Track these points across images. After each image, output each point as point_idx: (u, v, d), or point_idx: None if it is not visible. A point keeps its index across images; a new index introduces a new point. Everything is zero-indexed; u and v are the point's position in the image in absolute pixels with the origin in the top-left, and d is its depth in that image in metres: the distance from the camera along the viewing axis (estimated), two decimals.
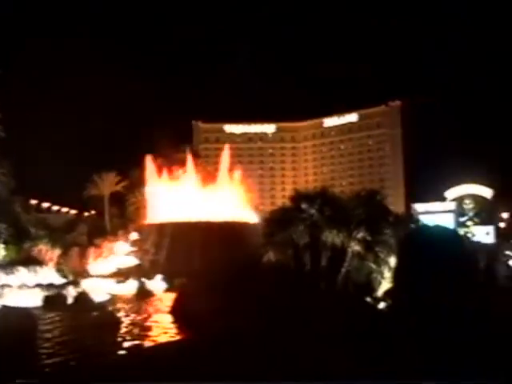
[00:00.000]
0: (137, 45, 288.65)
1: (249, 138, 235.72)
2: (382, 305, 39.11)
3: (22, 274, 64.06)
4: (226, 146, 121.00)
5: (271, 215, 50.49)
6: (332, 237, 42.59)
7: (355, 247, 42.73)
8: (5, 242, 69.66)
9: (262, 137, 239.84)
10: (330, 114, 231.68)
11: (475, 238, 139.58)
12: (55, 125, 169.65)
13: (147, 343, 25.99)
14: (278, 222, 46.16)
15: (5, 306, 27.76)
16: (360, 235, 42.88)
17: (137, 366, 19.70)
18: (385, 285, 42.07)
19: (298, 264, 41.23)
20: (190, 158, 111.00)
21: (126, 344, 24.84)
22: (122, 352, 23.23)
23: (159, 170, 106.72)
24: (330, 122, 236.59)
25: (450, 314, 20.11)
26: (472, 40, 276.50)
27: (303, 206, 44.90)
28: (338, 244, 42.79)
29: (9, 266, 65.50)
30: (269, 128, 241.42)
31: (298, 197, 47.21)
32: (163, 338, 27.48)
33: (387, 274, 42.21)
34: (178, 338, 27.31)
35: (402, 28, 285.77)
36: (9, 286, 57.09)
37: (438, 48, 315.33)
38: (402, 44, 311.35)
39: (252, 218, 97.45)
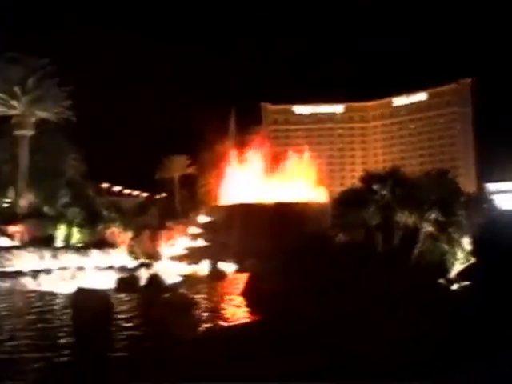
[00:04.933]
0: (205, 27, 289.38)
1: (318, 119, 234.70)
2: (455, 286, 38.78)
3: (96, 257, 65.38)
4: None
5: (341, 196, 50.23)
6: (404, 218, 42.25)
7: (428, 228, 42.30)
8: (79, 225, 71.02)
9: (330, 117, 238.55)
10: (399, 93, 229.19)
11: None
12: (126, 108, 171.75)
13: (220, 324, 26.25)
14: (349, 202, 45.92)
15: (80, 288, 28.27)
16: (433, 216, 42.40)
17: (211, 347, 20.01)
18: (458, 266, 41.65)
19: (369, 245, 41.05)
20: (259, 140, 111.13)
21: (200, 325, 25.13)
22: (196, 332, 23.54)
23: (229, 153, 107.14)
24: (399, 101, 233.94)
25: None
26: None
27: (374, 186, 44.56)
28: (410, 225, 42.44)
29: (83, 248, 66.85)
30: (337, 108, 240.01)
31: (369, 177, 46.84)
32: (235, 320, 27.71)
33: (460, 256, 41.75)
34: (249, 319, 27.50)
35: (474, 2, 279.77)
36: (83, 268, 58.32)
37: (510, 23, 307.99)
38: (473, 19, 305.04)
39: (321, 198, 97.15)
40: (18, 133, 76.29)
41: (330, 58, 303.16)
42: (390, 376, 14.85)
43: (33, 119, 77.01)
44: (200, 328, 24.23)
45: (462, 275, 39.90)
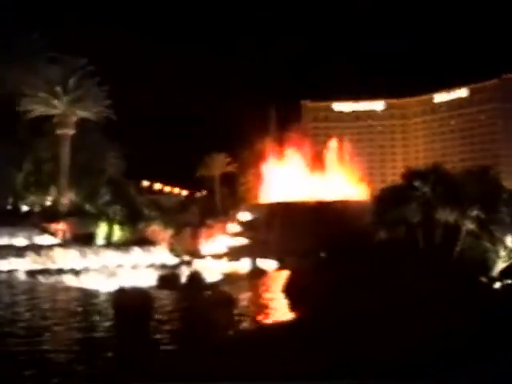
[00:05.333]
0: (242, 26, 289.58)
1: (357, 116, 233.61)
2: (497, 285, 38.32)
3: (137, 254, 65.73)
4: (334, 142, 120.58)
5: (382, 193, 50.05)
6: (445, 215, 41.91)
7: (469, 225, 41.91)
8: (119, 223, 71.49)
9: (370, 114, 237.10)
10: (439, 89, 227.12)
11: None
12: (165, 107, 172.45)
13: (262, 322, 26.18)
14: (390, 199, 45.73)
15: (121, 286, 28.41)
16: (474, 213, 42.02)
17: (252, 345, 19.95)
18: (500, 264, 41.17)
19: (410, 242, 40.79)
20: (299, 138, 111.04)
21: (241, 322, 25.09)
22: (237, 330, 23.50)
23: (269, 151, 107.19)
24: (439, 97, 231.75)
25: None
26: None
27: (415, 183, 44.30)
28: (451, 222, 42.09)
29: (124, 246, 67.24)
30: (378, 105, 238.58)
31: (410, 174, 46.62)
32: (277, 317, 27.63)
33: (503, 254, 41.28)
34: (291, 316, 27.39)
35: None
36: (124, 265, 58.67)
37: None
38: None
39: (362, 196, 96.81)
40: (59, 132, 76.96)
41: (370, 55, 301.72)
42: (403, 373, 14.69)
43: (74, 118, 77.60)
44: (240, 326, 24.16)
45: (504, 274, 39.47)
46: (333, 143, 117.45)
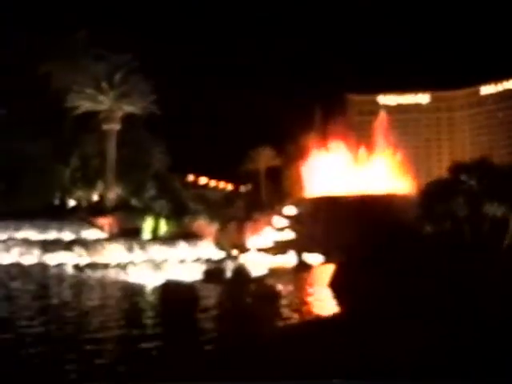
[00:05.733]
0: (289, 20, 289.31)
1: (403, 109, 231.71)
2: None
3: (183, 248, 66.10)
4: (382, 116, 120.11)
5: (428, 187, 49.73)
6: (493, 208, 41.50)
7: None
8: (166, 217, 71.96)
9: (416, 107, 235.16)
10: (486, 81, 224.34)
11: None
12: (210, 101, 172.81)
13: (307, 316, 26.16)
14: (436, 193, 45.41)
15: (168, 280, 28.61)
16: None
17: (297, 339, 19.96)
18: None
19: (457, 236, 40.45)
20: (344, 132, 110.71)
21: (286, 316, 25.10)
22: (281, 324, 23.52)
23: (315, 144, 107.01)
24: (486, 89, 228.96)
25: None
26: None
27: (462, 177, 43.94)
28: (498, 216, 41.67)
29: (170, 240, 67.66)
30: (423, 98, 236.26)
31: (457, 168, 46.26)
32: (321, 312, 27.58)
33: None
34: (337, 311, 27.33)
35: None
36: (170, 259, 59.10)
37: None
38: None
39: (408, 190, 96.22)
40: (105, 127, 77.71)
41: (415, 47, 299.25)
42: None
43: (120, 114, 78.30)
44: (285, 321, 24.17)
45: None
46: (381, 116, 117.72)
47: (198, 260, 60.80)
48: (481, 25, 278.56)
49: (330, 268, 40.93)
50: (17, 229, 60.80)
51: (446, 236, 40.58)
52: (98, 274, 49.42)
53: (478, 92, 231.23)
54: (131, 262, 56.28)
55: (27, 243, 57.70)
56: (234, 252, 73.00)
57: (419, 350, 17.01)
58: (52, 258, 54.42)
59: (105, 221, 68.93)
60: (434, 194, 45.92)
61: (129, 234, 66.57)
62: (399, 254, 31.61)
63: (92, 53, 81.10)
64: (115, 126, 77.69)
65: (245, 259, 65.88)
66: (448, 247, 34.62)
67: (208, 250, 68.94)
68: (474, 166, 45.38)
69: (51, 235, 61.42)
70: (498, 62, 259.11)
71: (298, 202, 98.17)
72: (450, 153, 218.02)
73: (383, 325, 20.78)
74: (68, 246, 58.65)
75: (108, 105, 77.35)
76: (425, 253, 31.37)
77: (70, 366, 15.80)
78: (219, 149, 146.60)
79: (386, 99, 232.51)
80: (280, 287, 35.00)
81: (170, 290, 25.62)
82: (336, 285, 34.95)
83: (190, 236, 70.80)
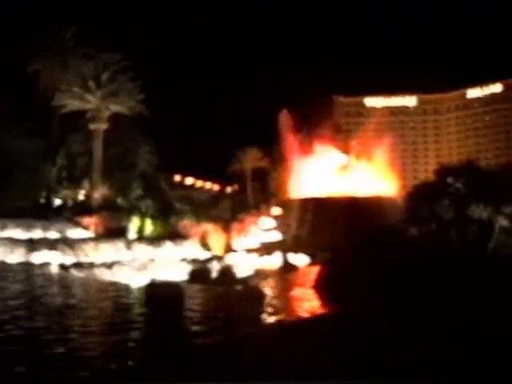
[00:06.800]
0: (274, 21, 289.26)
1: (390, 112, 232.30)
2: None
3: (168, 248, 66.04)
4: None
5: (414, 189, 49.84)
6: (479, 211, 41.60)
7: (502, 222, 41.57)
8: (152, 217, 71.90)
9: (403, 110, 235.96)
10: (473, 84, 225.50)
11: None
12: (197, 101, 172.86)
13: (291, 317, 26.25)
14: (422, 196, 45.52)
15: (153, 280, 28.68)
16: (508, 210, 41.68)
17: (280, 340, 20.01)
18: None
19: (442, 239, 40.56)
20: (331, 133, 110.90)
21: (270, 317, 25.16)
22: (265, 325, 23.58)
23: (301, 145, 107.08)
24: (473, 93, 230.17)
25: None
26: None
27: (449, 179, 44.00)
28: (484, 219, 41.77)
29: (156, 240, 67.60)
30: (410, 101, 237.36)
31: (443, 170, 46.34)
32: (307, 313, 27.66)
33: None
34: (321, 312, 27.43)
35: None
36: (156, 259, 59.02)
37: None
38: None
39: (394, 192, 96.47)
40: (92, 127, 77.64)
41: (402, 50, 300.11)
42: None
43: (107, 113, 78.25)
44: (268, 321, 24.23)
45: None
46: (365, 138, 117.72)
47: (183, 260, 60.71)
48: (468, 28, 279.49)
49: (316, 269, 41.07)
50: (2, 227, 60.60)
51: (432, 238, 40.65)
52: (83, 273, 49.32)
53: (464, 95, 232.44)
54: (117, 262, 56.13)
55: (12, 242, 57.47)
56: (220, 253, 72.96)
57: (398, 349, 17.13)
58: (37, 257, 54.22)
59: (90, 220, 68.80)
60: (419, 197, 46.02)
61: (114, 233, 66.45)
62: (384, 255, 31.73)
63: (81, 52, 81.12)
64: (102, 126, 77.60)
65: (231, 260, 65.86)
66: (433, 249, 34.73)
67: (194, 250, 68.89)
68: (461, 169, 45.50)
69: (37, 234, 61.24)
70: (484, 66, 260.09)
71: (285, 204, 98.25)
72: (436, 156, 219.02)
73: (366, 325, 20.88)
74: (53, 245, 58.39)
75: (95, 104, 77.27)
76: (410, 255, 31.51)
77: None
78: (206, 149, 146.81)
79: (373, 101, 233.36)
80: (265, 288, 35.06)
81: (155, 290, 25.61)
82: (320, 286, 35.08)
83: (176, 236, 70.73)
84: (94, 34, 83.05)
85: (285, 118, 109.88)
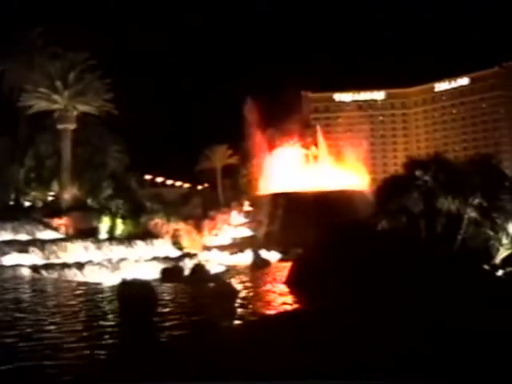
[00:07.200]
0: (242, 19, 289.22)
1: (358, 106, 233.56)
2: (500, 272, 38.45)
3: (140, 248, 65.75)
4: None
5: (384, 183, 50.08)
6: (447, 204, 41.95)
7: (471, 214, 41.93)
8: (122, 217, 71.57)
9: (371, 104, 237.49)
10: (440, 78, 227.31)
11: None
12: (166, 100, 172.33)
13: (263, 312, 26.31)
14: (392, 189, 45.78)
15: (124, 279, 28.54)
16: (476, 201, 42.04)
17: (255, 334, 20.08)
18: (503, 252, 41.22)
19: (412, 232, 40.84)
20: (299, 128, 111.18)
21: (243, 313, 25.20)
22: (239, 321, 23.62)
23: (270, 142, 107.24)
24: (440, 86, 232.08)
25: None
26: None
27: (417, 172, 44.30)
28: (453, 211, 42.12)
29: (127, 239, 67.28)
30: (378, 95, 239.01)
31: (412, 163, 46.63)
32: (279, 308, 27.75)
33: (505, 241, 41.35)
34: (293, 307, 27.54)
35: None
36: (127, 259, 58.79)
37: None
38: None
39: (364, 186, 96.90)
40: (60, 127, 76.99)
41: (369, 45, 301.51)
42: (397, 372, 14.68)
43: (75, 113, 77.63)
44: (241, 316, 24.26)
45: (506, 261, 39.58)
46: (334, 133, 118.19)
47: (155, 259, 60.50)
48: (434, 22, 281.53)
49: (287, 265, 41.23)
50: None
51: (402, 231, 40.91)
52: (55, 274, 49.05)
53: (432, 89, 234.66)
54: (88, 262, 55.83)
55: None
56: (192, 250, 72.86)
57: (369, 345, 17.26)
58: (7, 260, 53.78)
59: (60, 221, 68.29)
60: (388, 190, 46.28)
61: (85, 234, 65.98)
62: (355, 249, 31.91)
63: (48, 51, 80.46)
64: (70, 126, 77.00)
65: (202, 257, 65.82)
66: (403, 242, 34.96)
67: (165, 248, 68.65)
68: (429, 162, 45.80)
69: (7, 236, 60.74)
70: (451, 59, 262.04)
71: (255, 200, 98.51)
72: (405, 149, 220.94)
73: (339, 320, 21.01)
74: (23, 246, 57.94)
75: (63, 104, 76.62)
76: (380, 248, 31.69)
77: None
78: (176, 148, 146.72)
79: (342, 96, 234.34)
80: (236, 284, 35.08)
81: (127, 289, 25.53)
82: (292, 281, 35.22)
83: (148, 235, 70.41)
84: (64, 32, 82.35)
85: (249, 109, 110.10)
